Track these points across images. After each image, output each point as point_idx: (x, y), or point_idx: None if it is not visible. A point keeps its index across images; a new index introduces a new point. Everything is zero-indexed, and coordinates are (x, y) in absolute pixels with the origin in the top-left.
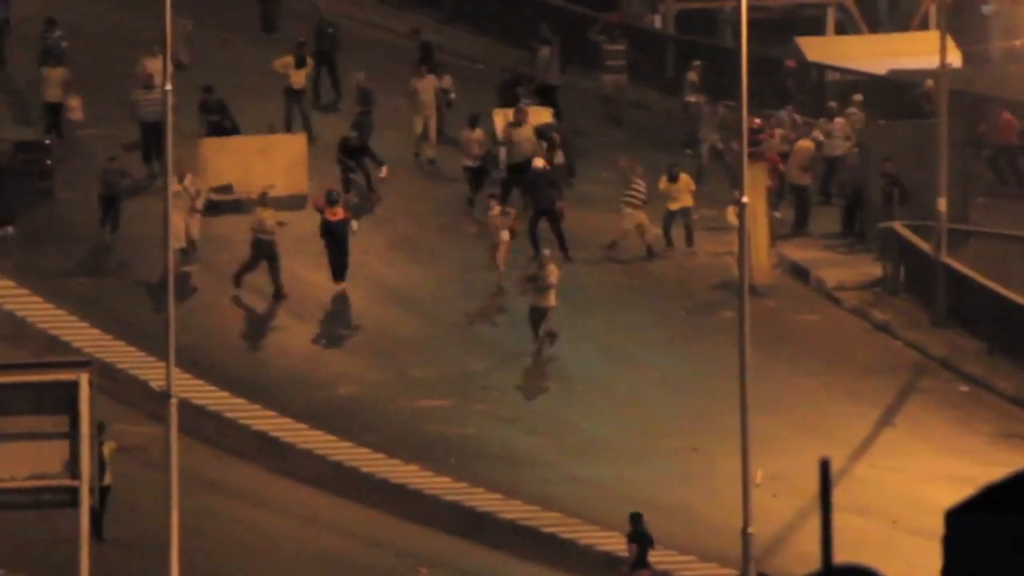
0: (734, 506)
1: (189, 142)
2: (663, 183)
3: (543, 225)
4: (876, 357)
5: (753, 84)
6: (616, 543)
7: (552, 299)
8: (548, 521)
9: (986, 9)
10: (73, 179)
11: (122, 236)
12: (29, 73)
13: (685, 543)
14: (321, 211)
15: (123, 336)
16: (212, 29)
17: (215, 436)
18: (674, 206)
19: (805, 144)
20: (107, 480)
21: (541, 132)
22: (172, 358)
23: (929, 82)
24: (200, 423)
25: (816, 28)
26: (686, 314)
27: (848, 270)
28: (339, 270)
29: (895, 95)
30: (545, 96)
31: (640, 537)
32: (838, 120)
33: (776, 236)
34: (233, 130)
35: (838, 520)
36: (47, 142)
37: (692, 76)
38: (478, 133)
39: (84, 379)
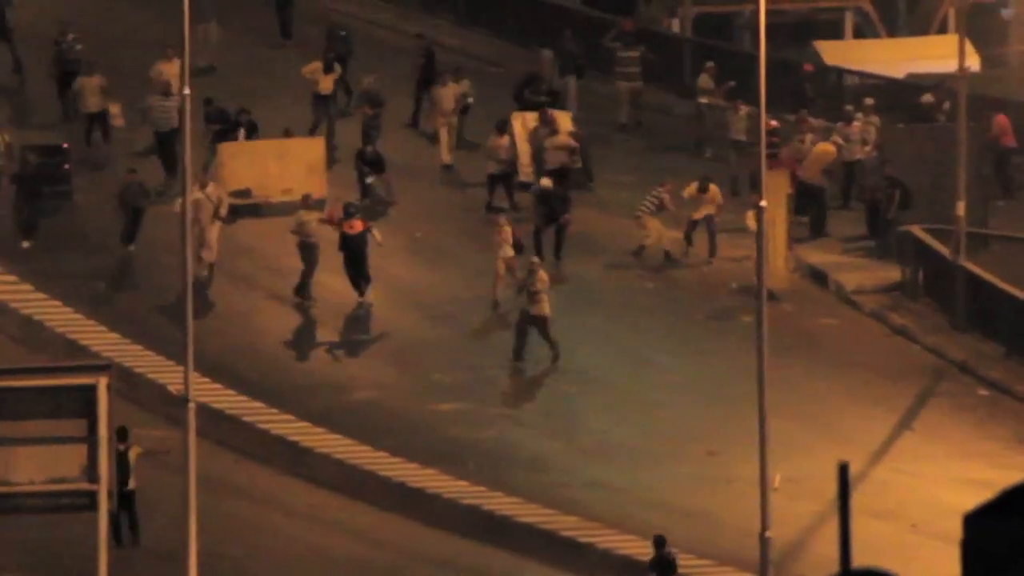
0: (752, 510)
1: (202, 150)
2: (691, 191)
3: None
4: (894, 361)
5: (771, 88)
6: (635, 547)
7: (546, 307)
8: (566, 525)
9: (1005, 13)
10: (91, 183)
11: (139, 243)
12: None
13: (703, 547)
14: (338, 224)
15: (141, 340)
16: (229, 33)
17: (233, 440)
18: (698, 215)
19: (825, 148)
20: (132, 484)
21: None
22: (190, 362)
23: (927, 96)
24: (218, 427)
25: (834, 32)
26: (705, 318)
27: (867, 274)
28: (362, 283)
29: (914, 99)
30: (554, 99)
31: (662, 564)
32: (855, 124)
33: (793, 240)
34: (246, 127)
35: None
36: (65, 145)
37: (704, 78)
38: (505, 139)
39: (102, 383)
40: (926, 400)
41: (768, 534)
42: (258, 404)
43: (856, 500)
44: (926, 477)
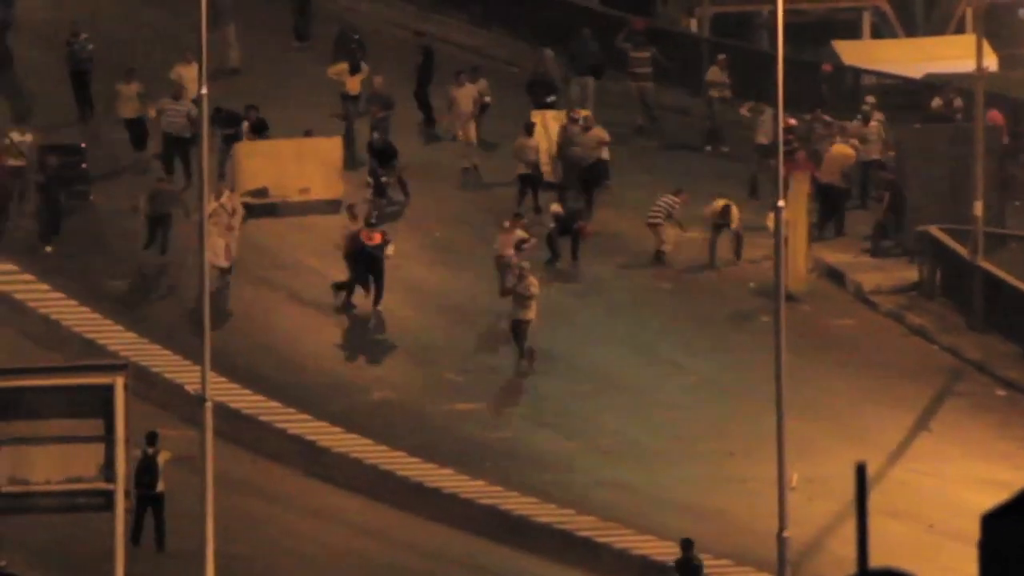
0: (770, 510)
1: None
2: (713, 212)
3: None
4: (912, 361)
5: (788, 88)
6: (652, 547)
7: (533, 312)
8: (583, 525)
9: (1023, 13)
10: (107, 182)
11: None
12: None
13: (721, 547)
14: (354, 238)
15: (158, 340)
16: (247, 35)
17: (251, 440)
18: (717, 206)
19: (844, 150)
20: (160, 488)
21: None
22: (208, 362)
23: (937, 101)
24: (236, 427)
25: (852, 32)
26: (722, 318)
27: (884, 274)
28: (377, 296)
29: (929, 100)
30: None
31: (687, 567)
32: (873, 124)
33: (812, 240)
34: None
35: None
36: (83, 145)
37: (715, 71)
38: (533, 140)
39: (119, 383)
40: (943, 400)
41: (785, 534)
42: (275, 404)
43: (873, 500)
44: (943, 477)
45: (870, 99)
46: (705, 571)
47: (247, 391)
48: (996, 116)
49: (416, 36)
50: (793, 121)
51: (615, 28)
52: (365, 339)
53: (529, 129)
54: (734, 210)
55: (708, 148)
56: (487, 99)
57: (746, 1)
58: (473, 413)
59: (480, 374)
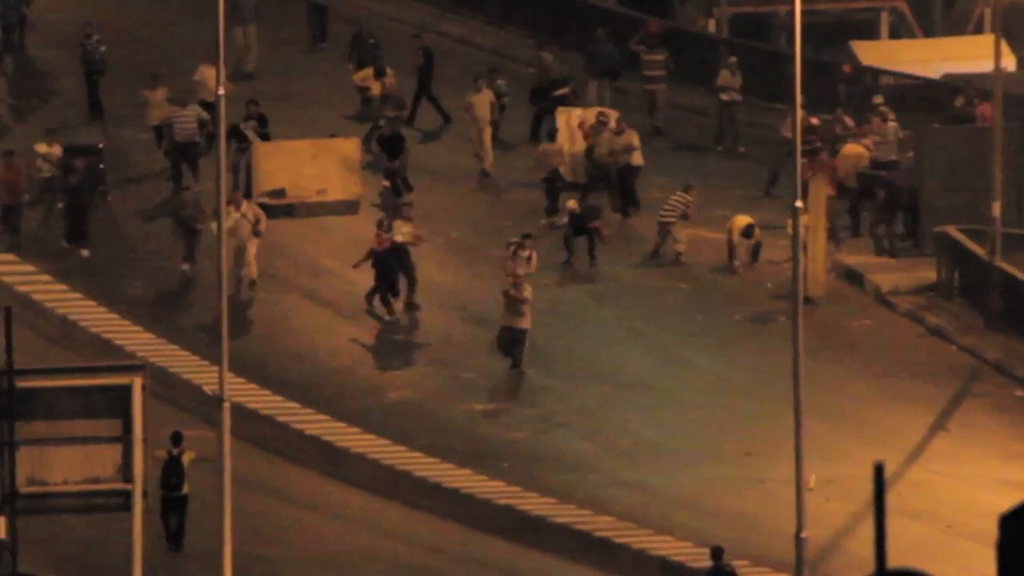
0: (787, 510)
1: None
2: (737, 231)
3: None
4: (930, 361)
5: (806, 88)
6: (669, 547)
7: (527, 320)
8: (601, 525)
9: None
10: (123, 183)
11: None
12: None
13: (738, 547)
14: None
15: (176, 340)
16: (262, 38)
17: (268, 440)
18: (740, 223)
19: (857, 149)
20: (185, 490)
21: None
22: (225, 362)
23: (960, 100)
24: (253, 427)
25: (869, 32)
26: (740, 319)
27: (902, 274)
28: (390, 298)
29: (948, 100)
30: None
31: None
32: (891, 124)
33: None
34: (257, 120)
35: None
36: (100, 146)
37: (724, 74)
38: (556, 145)
39: (137, 383)
40: (961, 400)
41: (803, 534)
42: (293, 404)
43: (891, 501)
44: (961, 478)
45: (878, 99)
46: None
47: (265, 392)
48: (987, 110)
49: (414, 38)
50: (816, 121)
51: (633, 29)
52: (383, 339)
53: (552, 135)
54: (757, 231)
55: (719, 148)
56: (505, 99)
57: (763, 2)
58: (491, 413)
59: (498, 374)
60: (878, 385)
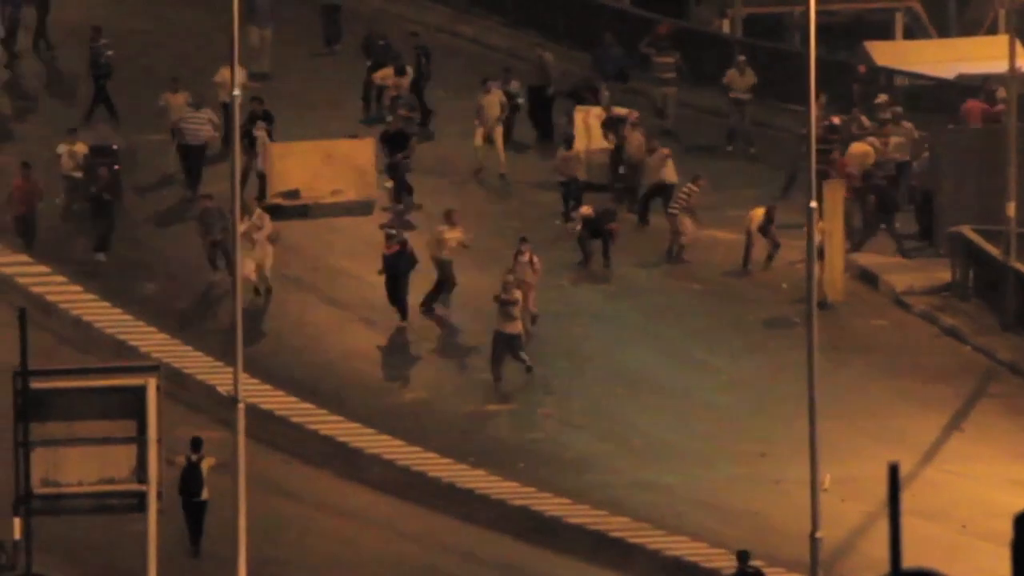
0: (802, 510)
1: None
2: (758, 218)
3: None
4: (945, 362)
5: (821, 89)
6: (685, 548)
7: (519, 325)
8: (616, 526)
9: None
10: (137, 184)
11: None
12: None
13: (753, 548)
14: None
15: (190, 341)
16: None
17: (283, 441)
18: (755, 226)
19: (864, 148)
20: (204, 495)
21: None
22: (240, 363)
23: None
24: (267, 428)
25: (884, 32)
26: (755, 319)
27: (917, 275)
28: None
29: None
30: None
31: None
32: (905, 124)
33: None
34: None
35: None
36: (115, 147)
37: (731, 74)
38: (574, 151)
39: (152, 384)
40: (976, 401)
41: (818, 535)
42: (308, 405)
43: (906, 501)
44: (976, 478)
45: (882, 97)
46: None
47: (279, 392)
48: (973, 105)
49: (411, 36)
50: (838, 120)
51: (648, 30)
52: (397, 340)
53: (569, 143)
54: (772, 218)
55: (729, 148)
56: (519, 100)
57: (778, 2)
58: (505, 414)
59: (512, 375)
60: (893, 385)
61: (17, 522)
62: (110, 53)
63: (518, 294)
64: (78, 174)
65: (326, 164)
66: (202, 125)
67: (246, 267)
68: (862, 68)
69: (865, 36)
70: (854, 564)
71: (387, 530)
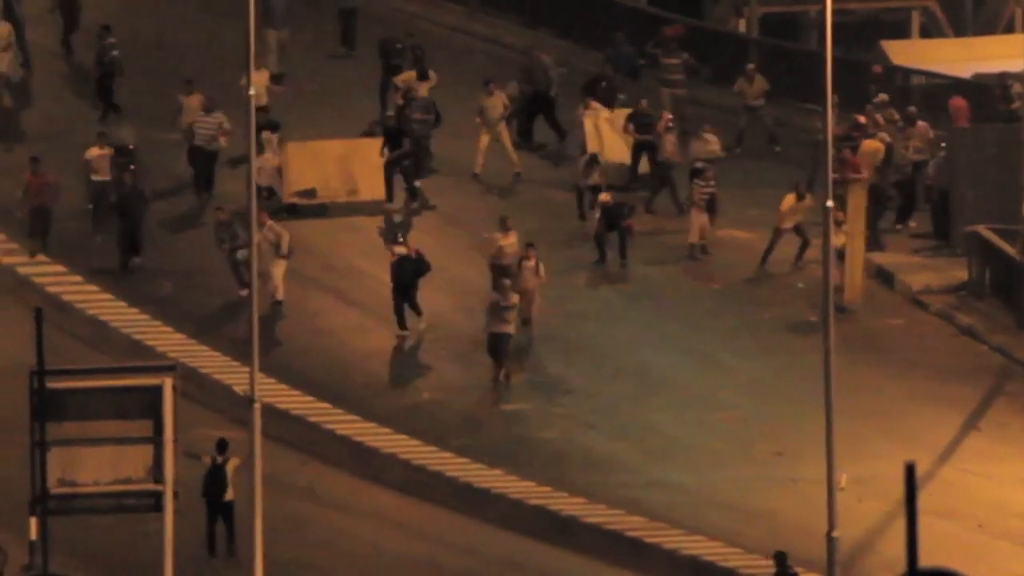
0: (819, 510)
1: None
2: (790, 202)
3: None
4: (961, 361)
5: (837, 88)
6: (700, 547)
7: (513, 327)
8: (632, 525)
9: None
10: (153, 184)
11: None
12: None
13: (769, 547)
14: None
15: (207, 340)
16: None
17: (299, 441)
18: (787, 224)
19: (875, 145)
20: (229, 496)
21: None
22: (256, 362)
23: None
24: (284, 428)
25: (900, 32)
26: (772, 319)
27: (933, 274)
28: (411, 310)
29: (980, 99)
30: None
31: None
32: (920, 124)
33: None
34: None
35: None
36: (131, 147)
37: (740, 82)
38: (595, 171)
39: (168, 383)
40: (993, 400)
41: (835, 534)
42: (324, 405)
43: (923, 500)
44: (993, 477)
45: (883, 96)
46: None
47: (296, 392)
48: (959, 103)
49: (407, 36)
50: (863, 119)
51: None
52: (414, 339)
53: (593, 160)
54: (809, 196)
55: (737, 150)
56: (552, 96)
57: (795, 1)
58: (522, 413)
59: (528, 374)
60: (909, 385)
61: (33, 522)
62: (116, 53)
63: (516, 299)
64: (106, 177)
65: (343, 163)
66: (213, 130)
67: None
68: (877, 68)
69: (881, 35)
70: (871, 563)
71: (403, 530)
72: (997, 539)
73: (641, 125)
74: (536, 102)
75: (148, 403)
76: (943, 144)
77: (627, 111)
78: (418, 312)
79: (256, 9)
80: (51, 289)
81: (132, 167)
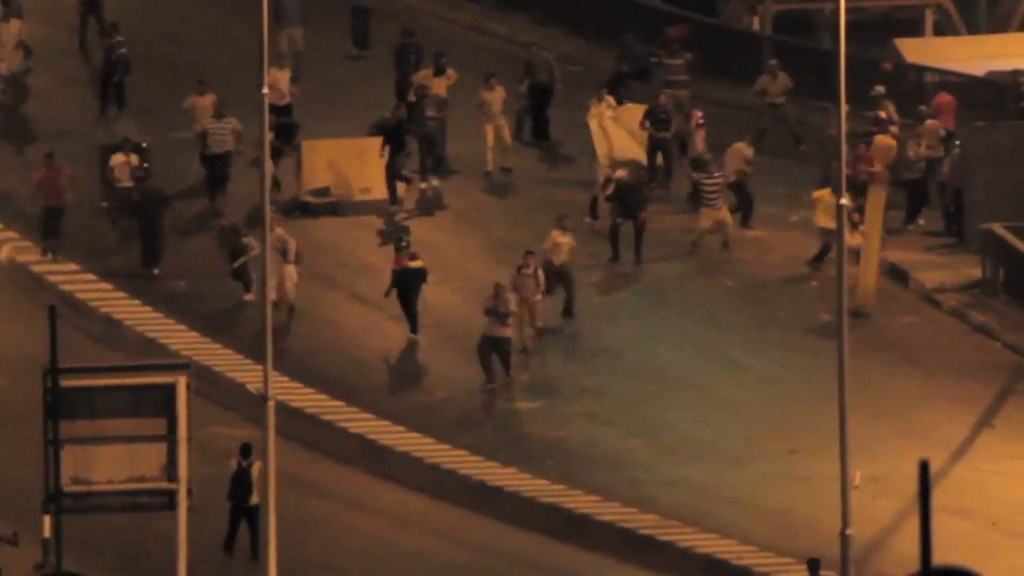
0: (833, 508)
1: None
2: (823, 195)
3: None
4: (975, 359)
5: (850, 86)
6: (714, 545)
7: (510, 330)
8: (646, 523)
9: None
10: (163, 183)
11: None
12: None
13: (783, 545)
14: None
15: (220, 339)
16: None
17: (312, 439)
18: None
19: (886, 140)
20: (254, 500)
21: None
22: (269, 361)
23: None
24: (297, 426)
25: (914, 30)
26: (785, 316)
27: (947, 272)
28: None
29: (994, 97)
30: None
31: None
32: (930, 122)
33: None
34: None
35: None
36: (144, 145)
37: (763, 80)
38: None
39: (181, 382)
40: (1006, 398)
41: (849, 532)
42: (337, 402)
43: (936, 498)
44: (1007, 475)
45: (879, 89)
46: None
47: (309, 390)
48: (945, 99)
49: (403, 34)
50: (884, 115)
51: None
52: (426, 337)
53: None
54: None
55: (755, 147)
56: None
57: None
58: (535, 411)
59: (543, 372)
60: (923, 382)
61: (47, 520)
62: (123, 51)
63: (513, 305)
64: (129, 184)
65: (356, 162)
66: (225, 136)
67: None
68: (887, 65)
69: (895, 33)
70: (885, 561)
71: (417, 528)
72: (1011, 537)
73: (658, 122)
74: (539, 97)
75: (162, 401)
76: (957, 142)
77: (635, 106)
78: (416, 326)
79: (269, 7)
80: (65, 287)
81: (145, 164)
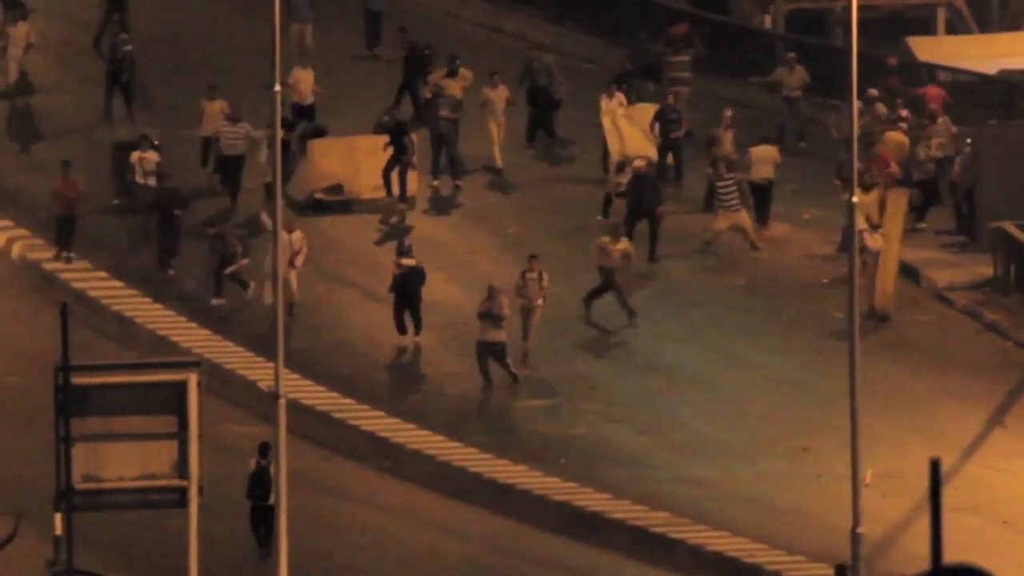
0: (844, 506)
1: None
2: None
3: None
4: (986, 357)
5: (862, 84)
6: (726, 543)
7: (504, 333)
8: (657, 521)
9: None
10: (177, 181)
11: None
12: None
13: (795, 543)
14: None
15: (231, 336)
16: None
17: (324, 437)
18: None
19: (898, 137)
20: (272, 500)
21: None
22: (281, 358)
23: None
24: (309, 424)
25: (926, 28)
26: (797, 314)
27: (959, 270)
28: (415, 323)
29: (1006, 95)
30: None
31: None
32: (940, 120)
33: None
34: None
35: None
36: (156, 142)
37: (782, 72)
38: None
39: (192, 379)
40: (1018, 396)
41: (860, 530)
42: (348, 400)
43: (947, 496)
44: (1018, 473)
45: (872, 92)
46: None
47: (320, 388)
48: (935, 91)
49: (400, 32)
50: (904, 111)
51: (694, 24)
52: (439, 335)
53: (621, 168)
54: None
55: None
56: (556, 97)
57: None
58: (547, 409)
59: (554, 370)
60: (935, 381)
61: (58, 517)
62: (128, 48)
63: (507, 309)
64: (150, 182)
65: (367, 159)
66: (238, 140)
67: (265, 288)
68: (893, 60)
69: (907, 31)
70: (896, 559)
71: (428, 525)
72: (1021, 534)
73: (668, 122)
74: (539, 101)
75: (173, 399)
76: (968, 140)
77: (647, 106)
78: (419, 326)
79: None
80: (76, 285)
81: (158, 161)
